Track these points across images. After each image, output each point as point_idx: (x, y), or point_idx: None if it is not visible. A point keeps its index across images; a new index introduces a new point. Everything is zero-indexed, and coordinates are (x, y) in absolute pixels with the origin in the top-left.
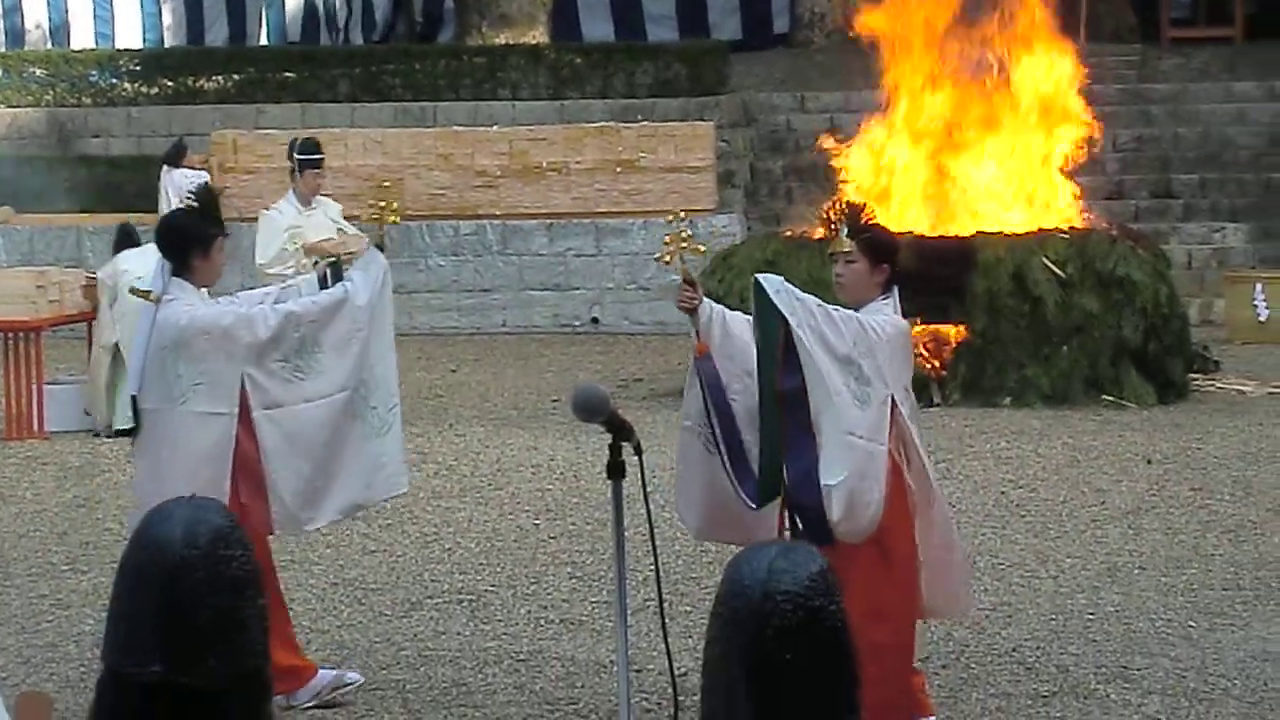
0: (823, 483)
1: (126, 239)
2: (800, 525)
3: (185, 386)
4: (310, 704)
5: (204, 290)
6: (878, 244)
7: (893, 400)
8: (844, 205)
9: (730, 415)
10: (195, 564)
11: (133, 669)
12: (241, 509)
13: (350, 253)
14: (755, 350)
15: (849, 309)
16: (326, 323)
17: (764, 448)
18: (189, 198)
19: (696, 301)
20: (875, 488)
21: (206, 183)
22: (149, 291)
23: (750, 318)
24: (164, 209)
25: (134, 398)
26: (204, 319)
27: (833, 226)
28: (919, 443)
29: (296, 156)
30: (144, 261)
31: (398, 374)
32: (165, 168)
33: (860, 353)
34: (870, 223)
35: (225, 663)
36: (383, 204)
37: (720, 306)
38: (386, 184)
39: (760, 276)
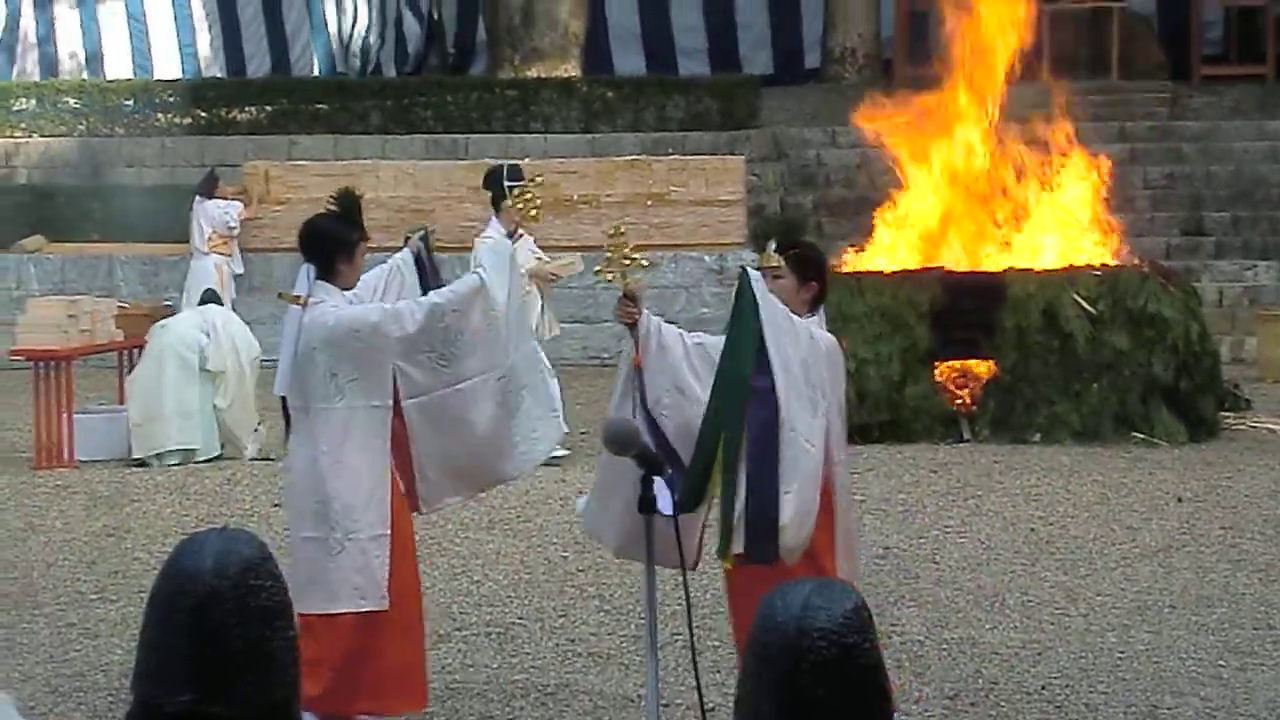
0: (781, 488)
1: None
2: (749, 535)
3: (341, 384)
4: None
5: (347, 293)
6: (806, 261)
7: (828, 414)
8: (775, 220)
9: (660, 430)
10: (225, 594)
11: (163, 699)
12: (399, 494)
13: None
14: (726, 341)
15: None
16: (467, 311)
17: (697, 451)
18: (330, 203)
19: (636, 315)
20: (815, 499)
21: (348, 188)
22: (297, 296)
23: (683, 333)
24: (196, 240)
25: (283, 398)
26: (352, 318)
27: (761, 241)
28: (843, 462)
29: (507, 184)
30: (186, 326)
31: (537, 355)
32: (198, 198)
33: (810, 361)
34: (799, 239)
35: (255, 692)
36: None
37: (658, 319)
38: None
39: (750, 270)
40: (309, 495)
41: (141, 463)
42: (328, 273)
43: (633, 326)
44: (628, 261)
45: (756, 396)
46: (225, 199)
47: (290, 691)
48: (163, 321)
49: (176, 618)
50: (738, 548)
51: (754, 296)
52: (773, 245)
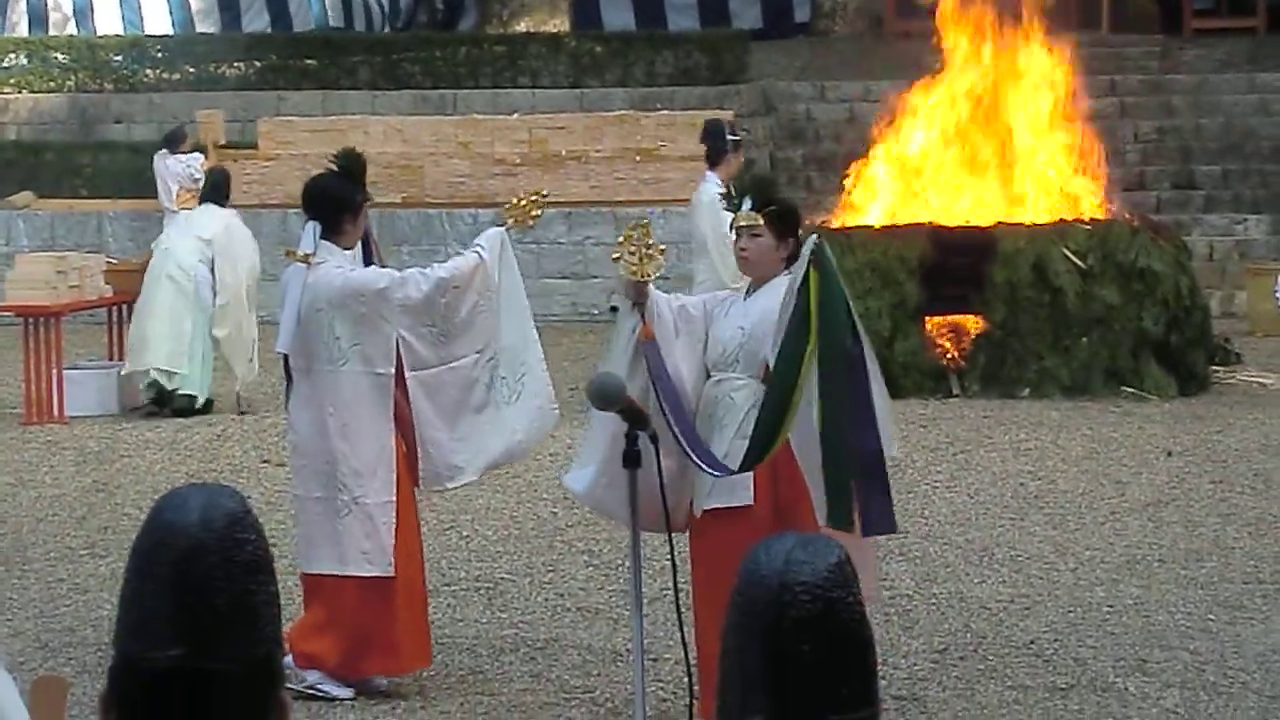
0: (887, 453)
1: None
2: (877, 510)
3: (345, 348)
4: (299, 688)
5: (349, 253)
6: (785, 216)
7: None
8: (749, 179)
9: (677, 394)
10: (210, 548)
11: (148, 653)
12: (405, 462)
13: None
14: (799, 310)
15: (753, 283)
16: (466, 288)
17: (764, 414)
18: (333, 162)
19: (646, 299)
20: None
21: (351, 148)
22: (305, 254)
23: (669, 299)
24: (164, 199)
25: (285, 356)
26: (358, 281)
27: (735, 200)
28: None
29: (729, 138)
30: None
31: (536, 345)
32: (162, 154)
33: None
34: (774, 196)
35: (240, 647)
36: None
37: (658, 292)
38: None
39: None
40: (316, 456)
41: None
42: (332, 231)
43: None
44: (649, 252)
45: (852, 364)
46: (186, 153)
47: (273, 645)
48: (165, 245)
49: (161, 572)
50: (856, 524)
51: (834, 265)
52: (749, 204)
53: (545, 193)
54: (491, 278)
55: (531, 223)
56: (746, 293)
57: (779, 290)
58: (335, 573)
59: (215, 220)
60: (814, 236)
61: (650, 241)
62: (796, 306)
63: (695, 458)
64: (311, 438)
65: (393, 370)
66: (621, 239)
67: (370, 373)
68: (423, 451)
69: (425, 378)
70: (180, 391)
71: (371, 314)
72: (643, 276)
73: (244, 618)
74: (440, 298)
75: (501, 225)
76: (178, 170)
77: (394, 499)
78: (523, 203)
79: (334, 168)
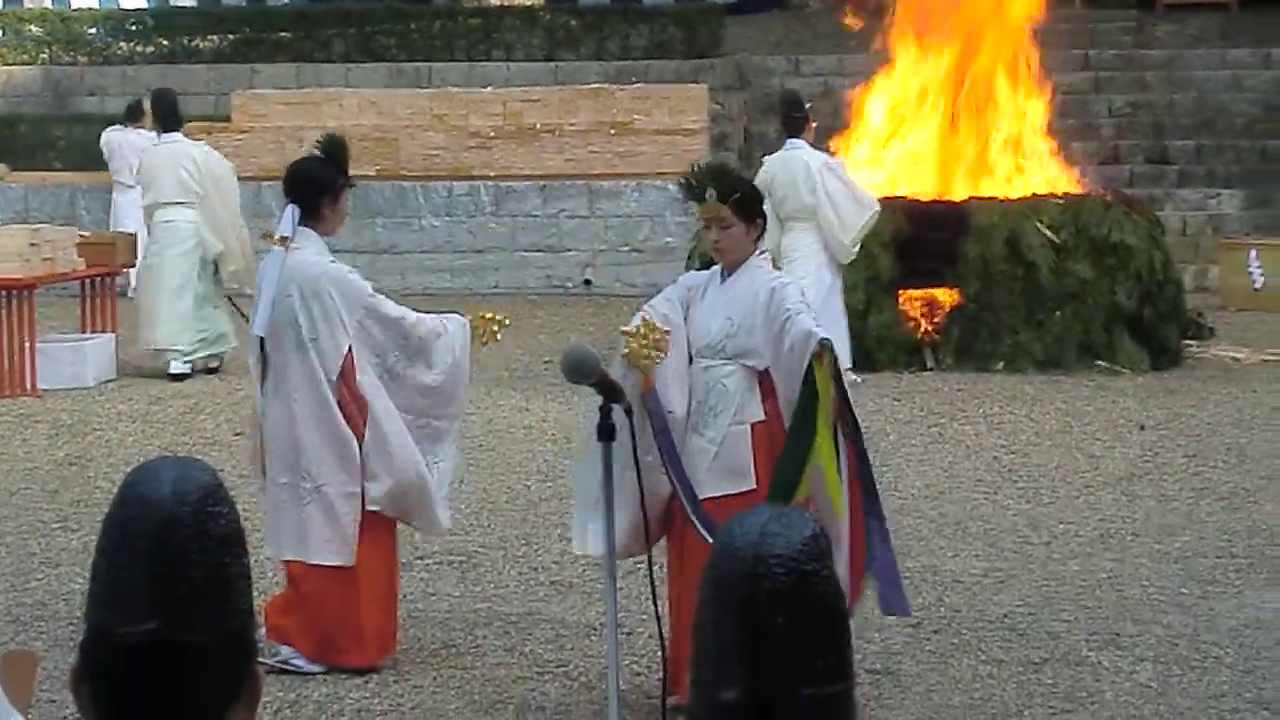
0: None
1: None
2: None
3: (305, 338)
4: (271, 663)
5: (327, 240)
6: (750, 202)
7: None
8: (707, 169)
9: (675, 447)
10: (185, 520)
11: (123, 627)
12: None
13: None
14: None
15: (725, 268)
16: (421, 348)
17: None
18: (318, 147)
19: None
20: None
21: (334, 133)
22: (283, 237)
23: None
24: (122, 174)
25: (261, 340)
26: (334, 273)
27: (696, 191)
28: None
29: (806, 106)
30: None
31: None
32: (119, 128)
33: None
34: (735, 182)
35: (214, 620)
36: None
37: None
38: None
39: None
40: (283, 442)
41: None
42: (311, 216)
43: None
44: (657, 346)
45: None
46: (145, 130)
47: (246, 618)
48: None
49: (135, 545)
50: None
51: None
52: (713, 194)
53: (507, 321)
54: (445, 356)
55: (489, 340)
56: (722, 276)
57: (756, 274)
58: (299, 559)
59: (195, 153)
60: (821, 337)
61: (659, 337)
62: (802, 400)
63: (693, 515)
64: (279, 423)
65: (335, 378)
66: (634, 329)
67: (324, 366)
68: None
69: (380, 390)
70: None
71: (334, 314)
72: (648, 367)
73: (218, 590)
74: (399, 338)
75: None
76: (139, 144)
77: (358, 491)
78: (488, 318)
79: (317, 151)
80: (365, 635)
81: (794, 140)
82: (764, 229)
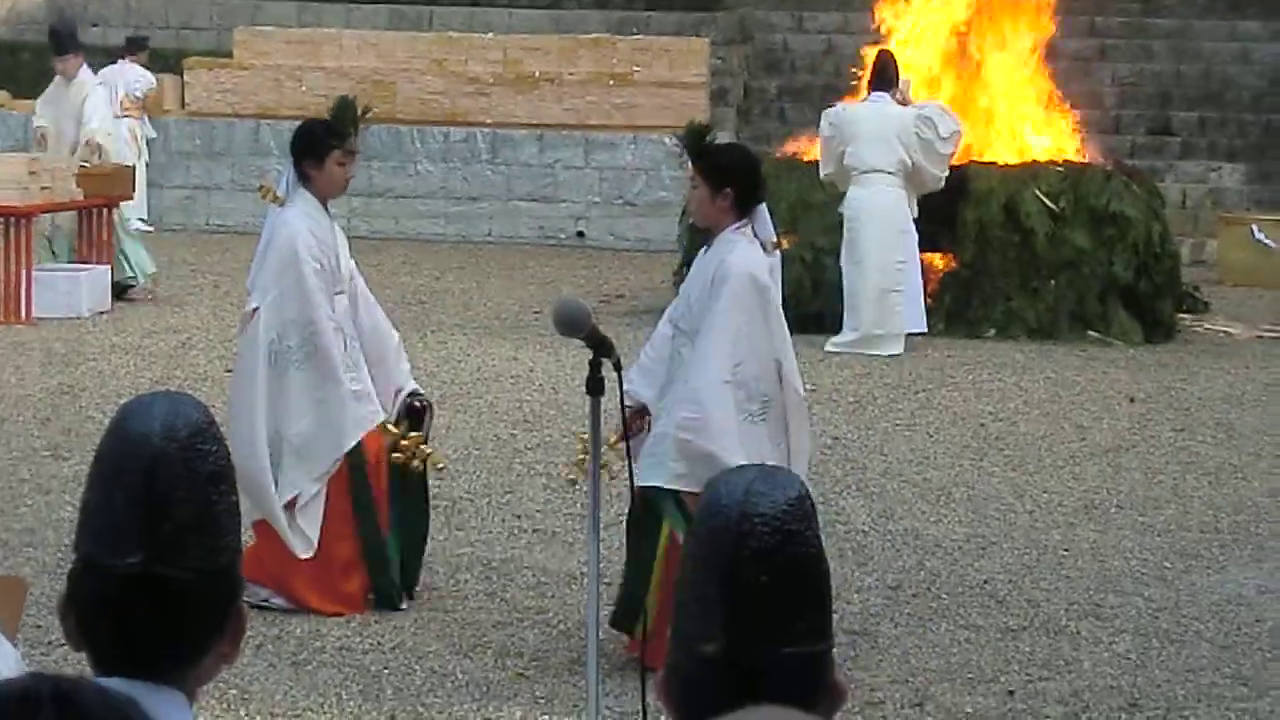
0: None
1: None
2: None
3: (260, 297)
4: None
5: (326, 202)
6: (717, 169)
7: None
8: (687, 128)
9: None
10: (173, 456)
11: (110, 559)
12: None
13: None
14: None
15: (707, 238)
16: (323, 360)
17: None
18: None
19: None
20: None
21: (346, 96)
22: (277, 195)
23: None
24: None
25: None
26: (290, 239)
27: (680, 150)
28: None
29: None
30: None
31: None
32: (122, 61)
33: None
34: (712, 146)
35: (201, 556)
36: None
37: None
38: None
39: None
40: (235, 398)
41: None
42: (300, 175)
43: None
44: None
45: None
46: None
47: (233, 556)
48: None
49: (124, 479)
50: None
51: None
52: (689, 155)
53: (439, 464)
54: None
55: (409, 461)
56: (706, 247)
57: (721, 248)
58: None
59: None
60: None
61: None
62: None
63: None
64: (236, 377)
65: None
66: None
67: (263, 331)
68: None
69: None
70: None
71: (289, 291)
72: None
73: (204, 527)
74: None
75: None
76: (131, 79)
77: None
78: (410, 444)
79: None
80: (308, 598)
81: (880, 94)
82: (741, 200)
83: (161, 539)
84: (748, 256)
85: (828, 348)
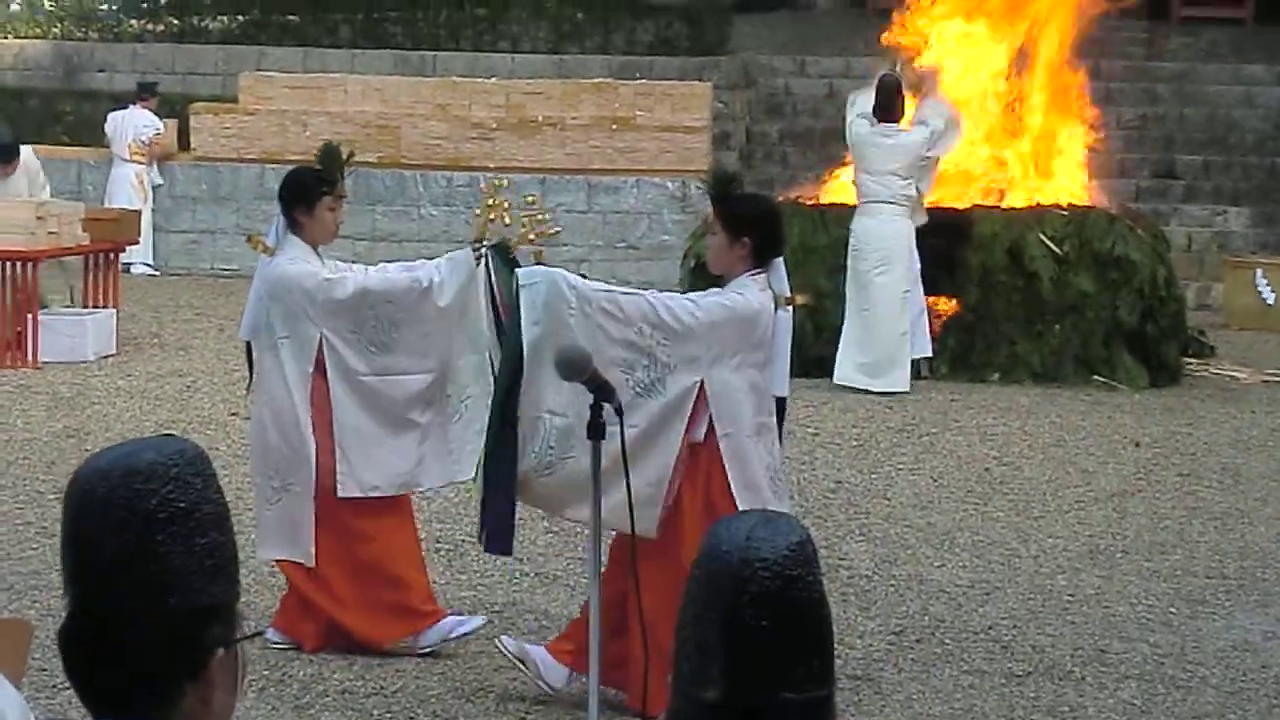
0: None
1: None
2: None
3: (276, 339)
4: (431, 648)
5: (317, 248)
6: (737, 217)
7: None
8: (720, 170)
9: None
10: (97, 499)
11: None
12: (321, 466)
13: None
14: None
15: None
16: (404, 306)
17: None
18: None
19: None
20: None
21: (331, 143)
22: (266, 245)
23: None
24: (118, 147)
25: (248, 344)
26: (290, 277)
27: (706, 195)
28: (735, 436)
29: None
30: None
31: (488, 371)
32: (132, 106)
33: (655, 340)
34: (734, 194)
35: (132, 596)
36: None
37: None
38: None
39: (521, 273)
40: (259, 442)
41: None
42: (291, 222)
43: None
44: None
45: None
46: (152, 110)
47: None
48: None
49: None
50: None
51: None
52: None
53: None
54: (440, 308)
55: (498, 218)
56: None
57: (738, 286)
58: (271, 558)
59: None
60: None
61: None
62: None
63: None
64: (256, 422)
65: (310, 369)
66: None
67: (297, 367)
68: (340, 454)
69: (355, 383)
70: None
71: (297, 310)
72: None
73: (138, 567)
74: (365, 310)
75: (474, 250)
76: (139, 124)
77: (312, 494)
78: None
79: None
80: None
81: (888, 125)
82: (758, 250)
83: (89, 580)
84: (757, 296)
85: (837, 381)
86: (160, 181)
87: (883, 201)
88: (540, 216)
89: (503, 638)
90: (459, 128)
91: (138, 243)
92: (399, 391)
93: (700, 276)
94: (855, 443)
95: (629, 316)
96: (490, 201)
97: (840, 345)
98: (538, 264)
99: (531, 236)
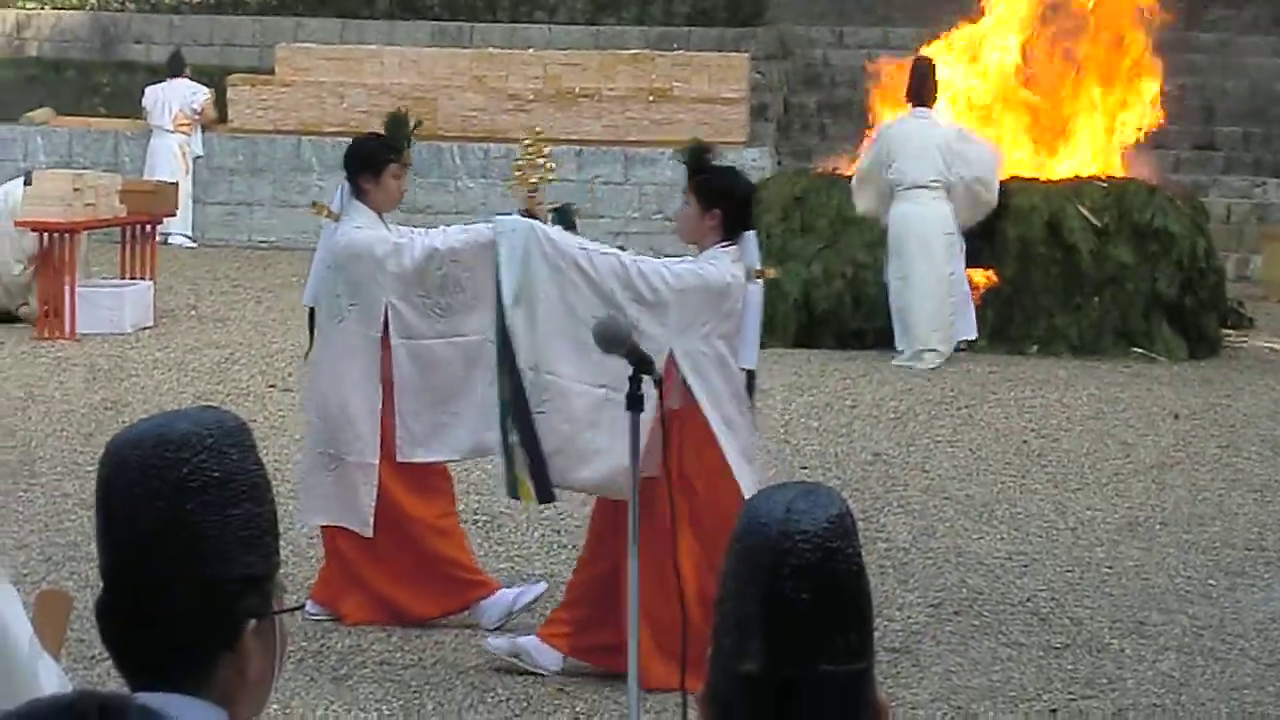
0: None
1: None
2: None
3: (343, 306)
4: (499, 623)
5: (382, 215)
6: (709, 189)
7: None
8: (688, 144)
9: None
10: (131, 467)
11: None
12: (387, 430)
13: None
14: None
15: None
16: (471, 265)
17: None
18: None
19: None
20: (600, 437)
21: (399, 110)
22: (331, 212)
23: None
24: (159, 118)
25: (311, 310)
26: (360, 244)
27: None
28: (717, 404)
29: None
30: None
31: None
32: (168, 79)
33: (625, 300)
34: (708, 165)
35: (171, 565)
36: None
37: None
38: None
39: (499, 221)
40: (316, 410)
41: None
42: (356, 190)
43: None
44: (540, 169)
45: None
46: (192, 79)
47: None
48: None
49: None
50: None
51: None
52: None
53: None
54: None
55: (541, 179)
56: None
57: (709, 257)
58: (325, 524)
59: None
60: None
61: (542, 162)
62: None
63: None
64: (314, 391)
65: (378, 334)
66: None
67: (363, 333)
68: (400, 420)
69: (414, 346)
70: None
71: (366, 277)
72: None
73: (173, 538)
74: (434, 269)
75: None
76: (184, 94)
77: (376, 462)
78: (531, 163)
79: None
80: (398, 589)
81: (921, 110)
82: (729, 223)
83: (126, 547)
84: (728, 268)
85: (894, 363)
86: (200, 153)
87: (919, 186)
88: (539, 161)
89: (489, 639)
90: (496, 99)
91: (175, 214)
92: (458, 354)
93: None
94: (893, 415)
95: (601, 273)
96: (523, 161)
97: (895, 333)
98: (526, 211)
99: (534, 179)
